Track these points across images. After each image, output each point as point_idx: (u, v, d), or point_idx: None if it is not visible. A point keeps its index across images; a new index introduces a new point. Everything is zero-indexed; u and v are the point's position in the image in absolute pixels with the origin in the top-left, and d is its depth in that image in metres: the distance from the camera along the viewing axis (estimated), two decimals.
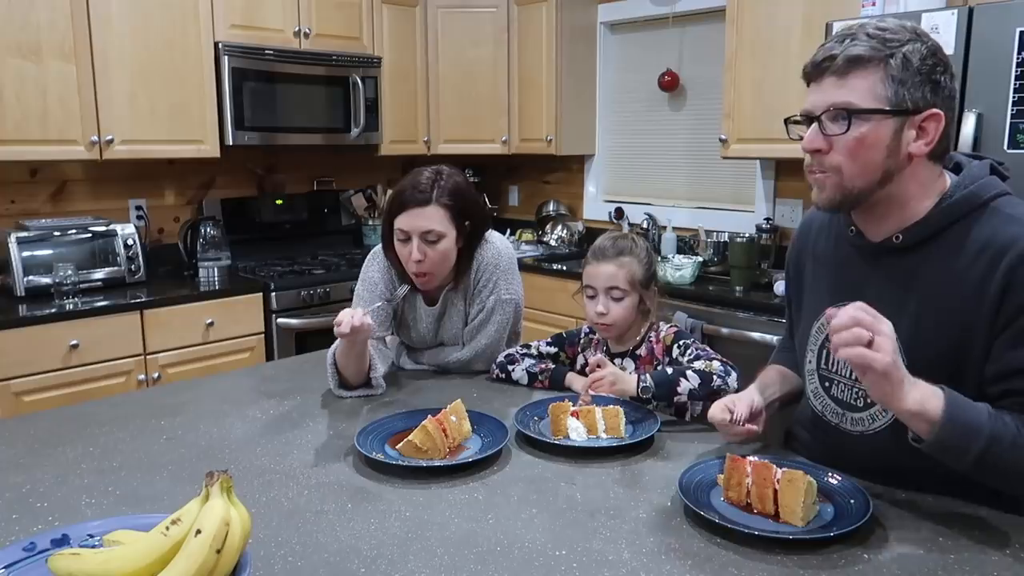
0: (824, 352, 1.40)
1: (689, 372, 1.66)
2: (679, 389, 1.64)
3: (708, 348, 1.78)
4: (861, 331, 1.08)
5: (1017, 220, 1.20)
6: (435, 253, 1.86)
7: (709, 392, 1.64)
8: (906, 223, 1.26)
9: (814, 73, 1.24)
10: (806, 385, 1.45)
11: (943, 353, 1.22)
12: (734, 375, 1.67)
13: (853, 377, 1.34)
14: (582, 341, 1.97)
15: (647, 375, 1.67)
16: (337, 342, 1.84)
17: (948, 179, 1.28)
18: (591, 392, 1.68)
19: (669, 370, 1.69)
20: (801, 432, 1.53)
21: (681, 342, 1.81)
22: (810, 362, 1.44)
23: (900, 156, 1.21)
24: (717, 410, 1.43)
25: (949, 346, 1.22)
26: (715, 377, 1.65)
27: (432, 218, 1.84)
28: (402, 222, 1.86)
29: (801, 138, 1.27)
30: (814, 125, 1.23)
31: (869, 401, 1.33)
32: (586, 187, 4.52)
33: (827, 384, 1.40)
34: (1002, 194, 1.25)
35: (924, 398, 1.13)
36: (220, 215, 3.79)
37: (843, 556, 1.13)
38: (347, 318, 1.69)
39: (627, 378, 1.68)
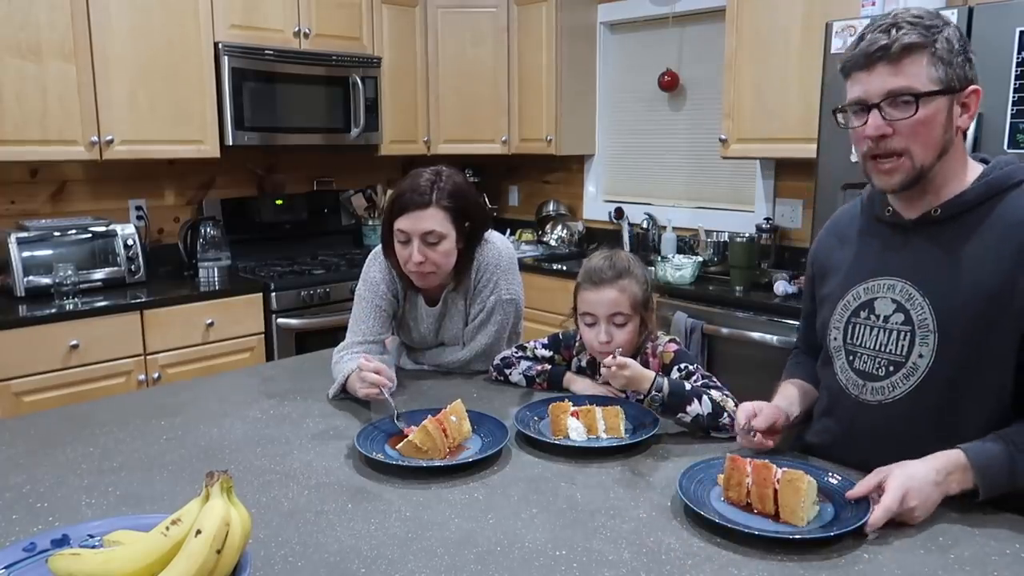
0: (849, 327, 1.44)
1: (705, 397, 1.58)
2: (688, 408, 1.57)
3: (714, 378, 1.69)
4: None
5: None
6: (436, 254, 1.86)
7: (713, 425, 1.58)
8: (943, 199, 1.33)
9: (865, 63, 1.28)
10: (833, 362, 1.47)
11: (977, 315, 1.28)
12: None
13: (875, 348, 1.39)
14: (577, 344, 1.93)
15: (665, 381, 1.60)
16: (347, 354, 1.86)
17: (980, 165, 1.36)
18: (606, 372, 1.61)
19: (688, 385, 1.62)
20: (818, 416, 1.54)
21: (683, 365, 1.72)
22: (835, 339, 1.46)
23: (952, 131, 1.29)
24: (741, 414, 1.45)
25: (983, 310, 1.28)
26: (727, 415, 1.57)
27: (432, 220, 1.83)
28: (402, 224, 1.85)
29: (847, 126, 1.34)
30: (874, 112, 1.28)
31: (891, 370, 1.37)
32: (586, 187, 4.52)
33: (851, 358, 1.44)
34: None
35: (958, 481, 1.24)
36: (220, 215, 3.79)
37: (843, 556, 1.13)
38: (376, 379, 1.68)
39: (644, 377, 1.60)
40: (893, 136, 1.27)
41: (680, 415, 1.59)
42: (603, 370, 1.63)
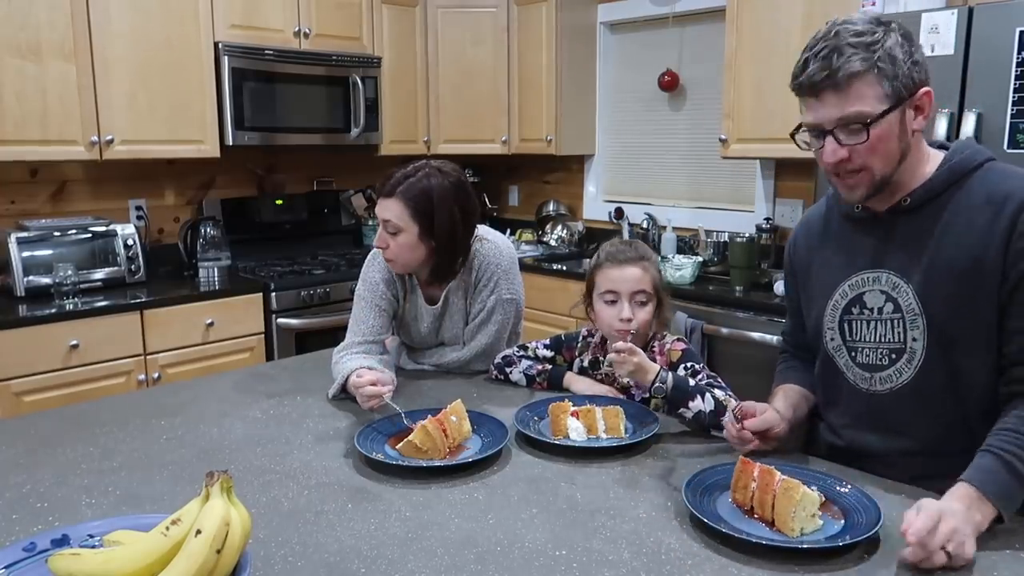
0: (845, 325, 1.45)
1: (708, 395, 1.59)
2: (690, 404, 1.59)
3: (719, 378, 1.70)
4: (934, 557, 1.09)
5: (1013, 175, 1.32)
6: (394, 243, 1.88)
7: (714, 423, 1.58)
8: (909, 189, 1.36)
9: (811, 91, 1.29)
10: (835, 362, 1.48)
11: (955, 294, 1.32)
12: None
13: (875, 340, 1.42)
14: (580, 345, 1.94)
15: (669, 374, 1.61)
16: (347, 355, 1.87)
17: (940, 153, 1.39)
18: (614, 356, 1.61)
19: (692, 381, 1.63)
20: (835, 417, 1.53)
21: (689, 364, 1.73)
22: (832, 340, 1.47)
23: (908, 136, 1.32)
24: (732, 407, 1.45)
25: (960, 288, 1.31)
26: (728, 413, 1.55)
27: (389, 210, 1.86)
28: (376, 207, 1.91)
29: (808, 146, 1.36)
30: (829, 138, 1.30)
31: (893, 358, 1.40)
32: (586, 187, 4.52)
33: (853, 354, 1.45)
34: (992, 159, 1.37)
35: (979, 510, 1.17)
36: (220, 215, 3.79)
37: (843, 556, 1.13)
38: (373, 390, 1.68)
39: (649, 369, 1.61)
40: (851, 158, 1.30)
41: (682, 410, 1.60)
42: (611, 355, 1.63)
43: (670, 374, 1.62)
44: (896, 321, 1.38)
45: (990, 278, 1.29)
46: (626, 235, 4.13)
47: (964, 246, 1.31)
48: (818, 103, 1.29)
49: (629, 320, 1.74)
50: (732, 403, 1.60)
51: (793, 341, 1.67)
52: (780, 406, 1.52)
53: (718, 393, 1.61)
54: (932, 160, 1.37)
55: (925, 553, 1.08)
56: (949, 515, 1.11)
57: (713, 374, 1.72)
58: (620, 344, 1.61)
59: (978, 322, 1.31)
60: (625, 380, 1.74)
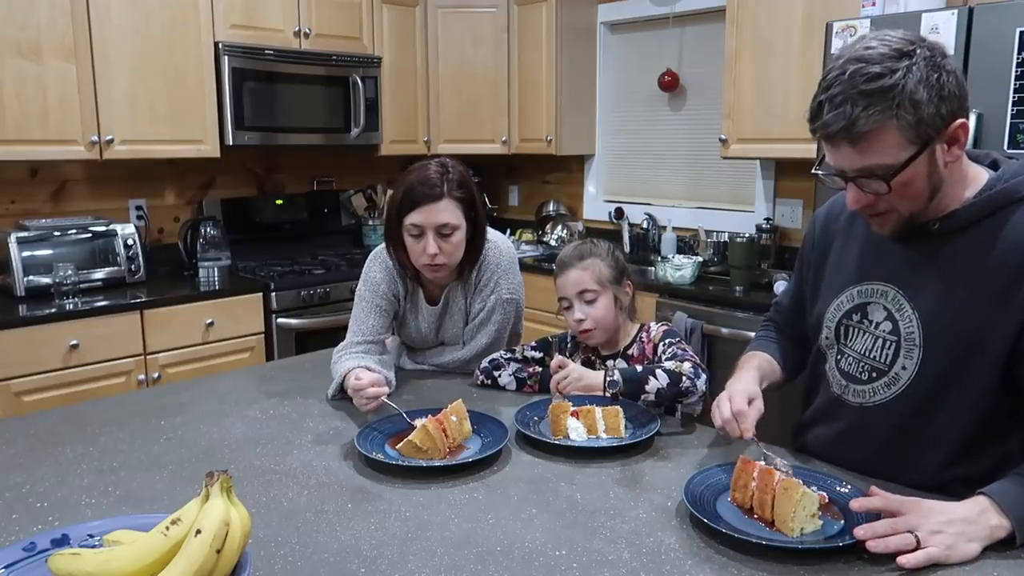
0: (842, 328, 1.43)
1: (658, 371, 1.65)
2: (647, 387, 1.64)
3: (687, 349, 1.75)
4: (900, 539, 1.09)
5: None
6: (449, 246, 1.86)
7: (677, 392, 1.63)
8: (943, 212, 1.28)
9: (827, 139, 1.20)
10: (826, 359, 1.47)
11: (964, 334, 1.25)
12: (704, 377, 1.65)
13: (861, 352, 1.39)
14: (569, 345, 1.94)
15: (616, 371, 1.67)
16: (345, 354, 1.86)
17: (986, 173, 1.29)
18: (561, 393, 1.69)
19: (639, 367, 1.70)
20: (811, 414, 1.53)
21: (667, 340, 1.80)
22: (827, 337, 1.46)
23: (940, 171, 1.22)
24: (721, 413, 1.42)
25: (971, 330, 1.24)
26: (684, 378, 1.63)
27: (446, 212, 1.84)
28: (415, 218, 1.84)
29: (832, 186, 1.31)
30: (851, 186, 1.24)
31: (873, 376, 1.37)
32: (586, 187, 4.52)
33: (839, 358, 1.44)
34: None
35: (993, 525, 1.13)
36: (220, 215, 3.79)
37: (842, 556, 1.13)
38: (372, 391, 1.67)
39: (592, 374, 1.71)
40: (876, 203, 1.24)
41: (644, 396, 1.65)
42: (551, 385, 1.73)
43: (616, 369, 1.68)
44: (889, 343, 1.33)
45: (1003, 328, 1.21)
46: (626, 235, 4.14)
47: (983, 288, 1.23)
48: (835, 151, 1.20)
49: (581, 320, 1.81)
50: (685, 366, 1.64)
51: (784, 318, 1.66)
52: (754, 384, 1.47)
53: (667, 364, 1.66)
54: (974, 182, 1.27)
55: (871, 532, 1.10)
56: (924, 512, 1.11)
57: (683, 345, 1.77)
58: (552, 366, 1.73)
59: (977, 365, 1.24)
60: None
